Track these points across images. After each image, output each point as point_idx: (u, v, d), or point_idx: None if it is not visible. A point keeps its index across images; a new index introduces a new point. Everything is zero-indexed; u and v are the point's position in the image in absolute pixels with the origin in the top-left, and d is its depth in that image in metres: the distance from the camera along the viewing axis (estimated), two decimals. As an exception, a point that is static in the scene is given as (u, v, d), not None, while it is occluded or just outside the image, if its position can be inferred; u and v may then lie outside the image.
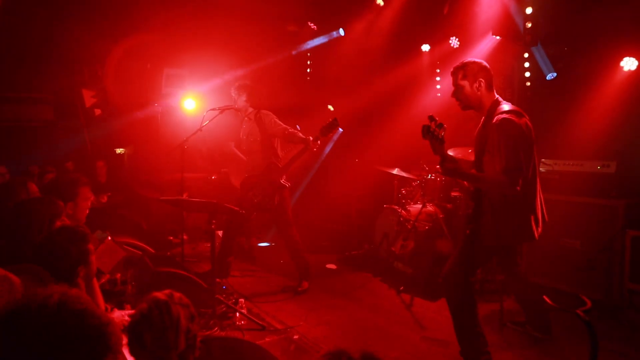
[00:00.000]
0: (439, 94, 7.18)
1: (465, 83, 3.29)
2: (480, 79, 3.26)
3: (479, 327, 3.37)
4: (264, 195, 4.86)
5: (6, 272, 1.66)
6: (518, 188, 3.02)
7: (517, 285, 3.78)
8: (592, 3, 5.14)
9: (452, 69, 3.37)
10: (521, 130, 3.11)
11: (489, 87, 3.30)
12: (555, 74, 5.48)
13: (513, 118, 3.12)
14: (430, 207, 5.56)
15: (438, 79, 7.27)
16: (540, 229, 3.32)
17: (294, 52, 8.12)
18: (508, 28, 5.75)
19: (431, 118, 2.99)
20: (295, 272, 5.20)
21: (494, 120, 3.16)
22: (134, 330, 1.71)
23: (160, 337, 1.70)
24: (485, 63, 3.33)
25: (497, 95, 3.34)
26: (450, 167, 3.10)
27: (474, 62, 3.32)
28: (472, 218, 3.37)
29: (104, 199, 5.40)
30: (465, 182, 3.47)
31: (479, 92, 3.27)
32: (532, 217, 3.27)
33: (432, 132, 2.97)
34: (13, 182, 3.41)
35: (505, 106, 3.24)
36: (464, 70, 3.29)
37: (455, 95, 3.37)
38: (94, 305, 1.19)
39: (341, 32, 7.56)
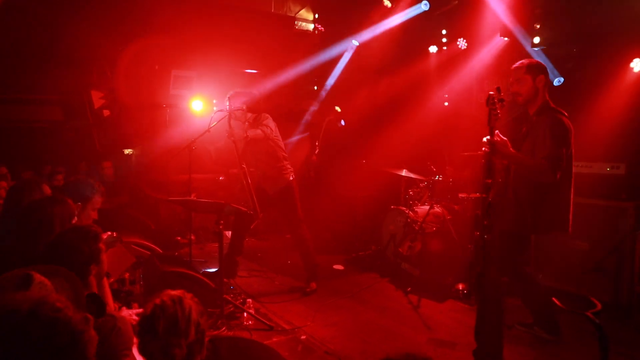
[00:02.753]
0: (446, 95, 7.17)
1: (529, 77, 3.48)
2: (542, 75, 3.48)
3: (501, 331, 3.39)
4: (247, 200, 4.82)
5: (42, 277, 1.67)
6: (557, 176, 3.24)
7: (526, 287, 3.77)
8: (601, 4, 5.12)
9: (515, 64, 3.57)
10: (570, 130, 3.39)
11: (547, 87, 3.53)
12: (562, 79, 5.46)
13: (565, 120, 3.40)
14: (437, 209, 5.55)
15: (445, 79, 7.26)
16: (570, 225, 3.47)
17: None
18: (516, 29, 5.74)
19: (498, 89, 3.10)
20: (302, 273, 5.20)
21: (550, 115, 3.40)
22: (148, 319, 1.79)
23: (172, 325, 1.78)
24: (544, 64, 3.56)
25: (548, 97, 3.53)
26: (498, 142, 3.20)
27: (538, 61, 3.57)
28: (494, 209, 3.42)
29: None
30: (505, 162, 3.52)
31: (539, 87, 3.49)
32: (564, 210, 3.45)
33: (494, 103, 3.06)
34: (28, 182, 3.44)
35: (557, 109, 3.48)
36: (528, 66, 3.50)
37: (516, 87, 3.54)
38: (72, 313, 1.18)
39: (355, 42, 7.58)
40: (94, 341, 1.20)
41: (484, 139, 3.19)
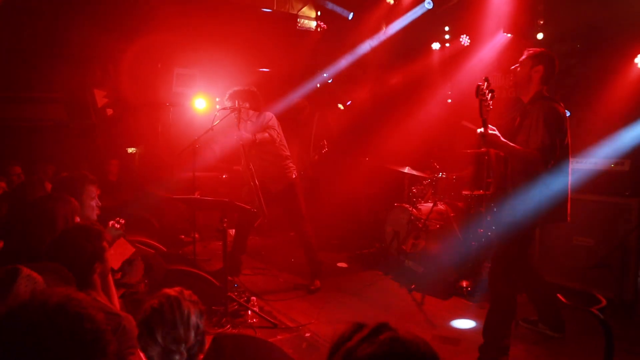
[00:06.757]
0: (449, 92, 7.16)
1: (529, 63, 3.41)
2: (540, 65, 3.37)
3: (510, 328, 3.38)
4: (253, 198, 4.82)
5: (30, 271, 1.68)
6: (549, 166, 3.18)
7: (531, 283, 3.76)
8: (605, -1, 5.10)
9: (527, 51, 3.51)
10: (563, 118, 3.32)
11: (544, 79, 3.40)
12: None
13: (559, 107, 3.32)
14: (441, 206, 5.54)
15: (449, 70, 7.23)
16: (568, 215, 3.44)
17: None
18: (519, 25, 5.72)
19: (486, 79, 3.06)
20: (306, 270, 5.21)
21: (542, 104, 3.31)
22: (146, 323, 1.76)
23: (171, 331, 1.75)
24: (554, 57, 3.44)
25: (545, 90, 3.44)
26: (491, 134, 3.16)
27: (546, 51, 3.45)
28: (495, 200, 3.42)
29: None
30: (499, 152, 3.48)
31: (534, 76, 3.39)
32: (562, 200, 3.40)
33: (483, 94, 3.02)
34: (31, 181, 3.42)
35: (551, 98, 3.40)
36: (534, 53, 3.43)
37: (516, 70, 3.49)
38: (96, 311, 1.19)
39: (349, 16, 7.56)
40: (113, 341, 1.21)
41: (478, 131, 3.17)
